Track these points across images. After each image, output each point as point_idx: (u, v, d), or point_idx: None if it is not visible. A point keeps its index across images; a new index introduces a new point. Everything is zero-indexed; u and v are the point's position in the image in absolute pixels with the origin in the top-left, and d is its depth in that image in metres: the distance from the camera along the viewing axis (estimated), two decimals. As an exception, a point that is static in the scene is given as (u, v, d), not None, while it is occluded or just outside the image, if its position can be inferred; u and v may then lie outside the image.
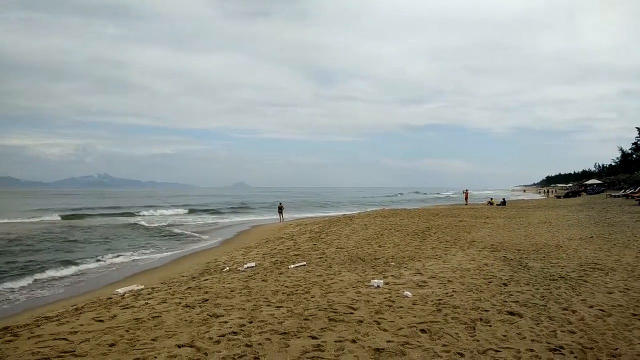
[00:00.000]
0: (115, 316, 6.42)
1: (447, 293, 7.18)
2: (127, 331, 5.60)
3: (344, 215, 32.98)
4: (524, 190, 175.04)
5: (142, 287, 8.80)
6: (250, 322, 5.74)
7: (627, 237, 13.48)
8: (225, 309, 6.45)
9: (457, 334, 5.20)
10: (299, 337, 5.14)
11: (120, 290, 8.43)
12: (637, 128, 71.55)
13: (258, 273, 9.49)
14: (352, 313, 6.10)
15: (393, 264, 10.11)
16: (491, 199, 52.11)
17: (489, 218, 24.30)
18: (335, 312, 6.12)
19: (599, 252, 10.96)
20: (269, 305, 6.64)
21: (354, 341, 4.97)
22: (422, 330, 5.33)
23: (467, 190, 57.41)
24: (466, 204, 47.17)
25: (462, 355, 4.55)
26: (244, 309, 6.43)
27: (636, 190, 41.72)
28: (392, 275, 8.68)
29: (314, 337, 5.13)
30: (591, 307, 6.12)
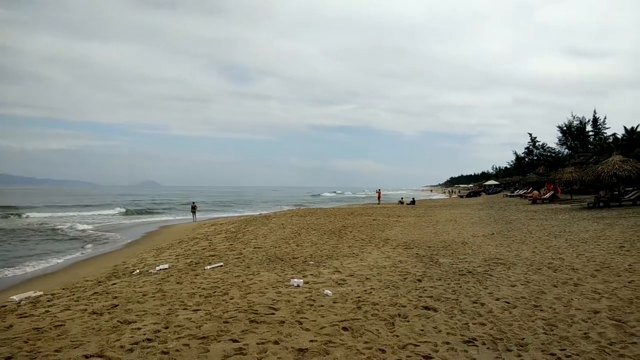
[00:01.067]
0: (11, 326, 5.76)
1: (365, 290, 7.30)
2: (26, 342, 5.05)
3: (260, 214, 32.68)
4: (431, 190, 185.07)
5: (41, 293, 8.02)
6: (166, 328, 5.43)
7: (524, 234, 14.63)
8: (137, 315, 6.05)
9: (377, 330, 5.29)
10: (219, 341, 4.94)
11: (16, 298, 7.61)
12: (529, 134, 78.20)
13: (172, 275, 9.05)
14: (273, 314, 5.99)
15: (312, 262, 10.13)
16: (402, 198, 54.38)
17: (400, 217, 25.28)
18: (256, 314, 5.98)
19: (500, 247, 11.78)
20: (185, 309, 6.33)
21: (276, 342, 4.87)
22: (344, 328, 5.36)
23: (379, 190, 59.41)
24: (379, 203, 48.81)
25: (383, 351, 4.62)
26: (158, 314, 6.07)
27: (528, 191, 45.60)
28: (311, 274, 8.68)
29: (235, 340, 4.95)
30: (498, 299, 6.51)
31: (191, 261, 10.88)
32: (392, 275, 8.48)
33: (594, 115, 66.14)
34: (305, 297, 6.87)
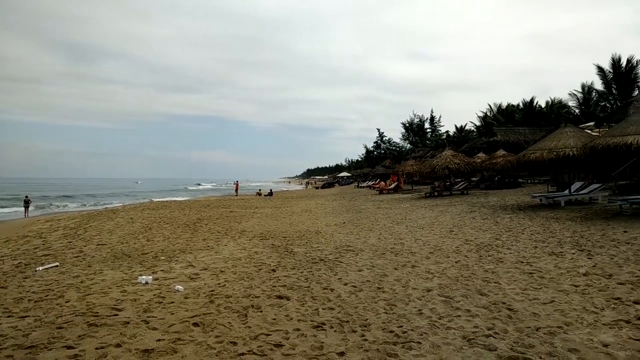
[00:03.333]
0: None
1: (219, 284, 7.17)
2: None
3: (105, 208, 30.20)
4: (289, 182, 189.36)
5: None
6: (-18, 341, 4.69)
7: (371, 222, 15.72)
8: (-56, 328, 5.14)
9: (230, 323, 5.21)
10: (50, 349, 4.42)
11: None
12: (377, 129, 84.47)
13: (-6, 279, 7.88)
14: (116, 315, 5.55)
15: (163, 258, 9.64)
16: (260, 189, 54.74)
17: (257, 208, 25.39)
18: (96, 316, 5.48)
19: (350, 235, 12.49)
20: (10, 316, 5.56)
21: (118, 345, 4.51)
22: (195, 324, 5.18)
23: (237, 181, 58.99)
24: (237, 195, 48.46)
25: (235, 343, 4.56)
26: (-27, 325, 5.22)
27: (376, 182, 49.13)
28: (162, 270, 8.25)
29: (69, 347, 4.47)
30: (346, 284, 6.88)
31: (19, 262, 9.60)
32: (247, 267, 8.46)
33: (431, 114, 73.60)
34: (154, 295, 6.50)
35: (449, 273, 7.26)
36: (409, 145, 75.28)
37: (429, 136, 73.58)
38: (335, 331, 4.85)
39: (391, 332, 4.74)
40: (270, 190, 51.25)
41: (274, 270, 8.08)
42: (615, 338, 4.15)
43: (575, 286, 5.99)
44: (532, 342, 4.20)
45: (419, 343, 4.38)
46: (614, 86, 39.20)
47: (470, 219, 14.57)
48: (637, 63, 37.76)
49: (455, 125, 57.30)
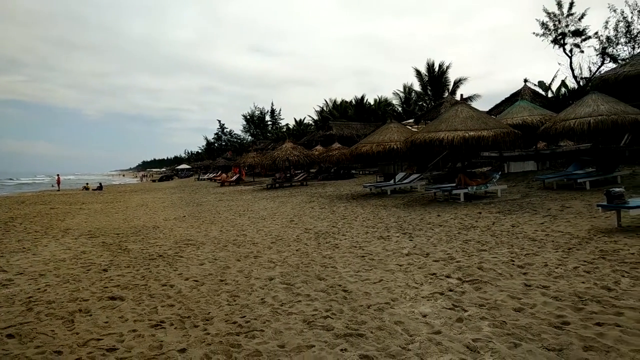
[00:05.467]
0: None
1: (39, 289, 6.37)
2: None
3: None
4: (123, 175, 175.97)
5: None
6: None
7: (213, 215, 15.45)
8: None
9: (53, 331, 4.66)
10: None
11: None
12: (218, 121, 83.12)
13: None
14: None
15: (-36, 264, 8.19)
16: (87, 183, 49.92)
17: (85, 204, 23.12)
18: None
19: (191, 229, 12.11)
20: None
21: None
22: (9, 336, 4.52)
23: (58, 175, 52.84)
24: (59, 190, 43.39)
25: (59, 353, 4.10)
26: None
27: (218, 174, 48.42)
28: (-38, 278, 7.01)
29: None
30: (187, 279, 6.66)
31: None
32: (73, 268, 7.65)
33: (272, 107, 75.03)
34: (-48, 308, 5.50)
35: (290, 261, 7.50)
36: (250, 137, 75.71)
37: (270, 129, 74.89)
38: (175, 328, 4.66)
39: (234, 323, 4.72)
40: (100, 184, 47.04)
41: (105, 270, 7.44)
42: (432, 308, 4.74)
43: (400, 265, 6.68)
44: (364, 319, 4.57)
45: (262, 331, 4.45)
46: (429, 88, 44.57)
47: (309, 208, 15.23)
48: (446, 68, 43.50)
49: (295, 119, 59.45)
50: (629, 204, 7.62)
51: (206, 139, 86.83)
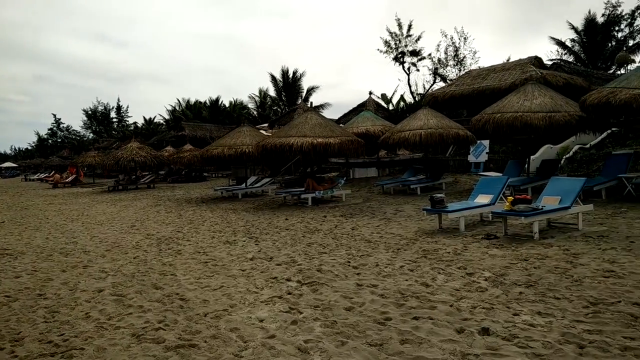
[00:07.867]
0: None
1: None
2: None
3: None
4: None
5: None
6: None
7: (40, 220, 13.73)
8: None
9: None
10: None
11: None
12: (53, 115, 74.61)
13: None
14: None
15: None
16: None
17: None
18: None
19: (10, 236, 10.61)
20: None
21: None
22: None
23: None
24: None
25: None
26: None
27: (50, 174, 43.34)
28: None
29: None
30: (-4, 295, 5.77)
31: None
32: None
33: (117, 103, 69.77)
34: None
35: (125, 270, 6.96)
36: (91, 134, 69.41)
37: (115, 126, 69.53)
38: (-27, 354, 3.98)
39: (50, 342, 4.20)
40: None
41: None
42: (269, 313, 4.76)
43: (243, 270, 6.62)
44: (199, 328, 4.40)
45: (82, 349, 4.02)
46: (284, 93, 45.64)
47: (154, 212, 14.40)
48: (300, 76, 44.99)
49: (145, 117, 55.98)
50: (448, 208, 8.62)
51: (38, 134, 77.47)
